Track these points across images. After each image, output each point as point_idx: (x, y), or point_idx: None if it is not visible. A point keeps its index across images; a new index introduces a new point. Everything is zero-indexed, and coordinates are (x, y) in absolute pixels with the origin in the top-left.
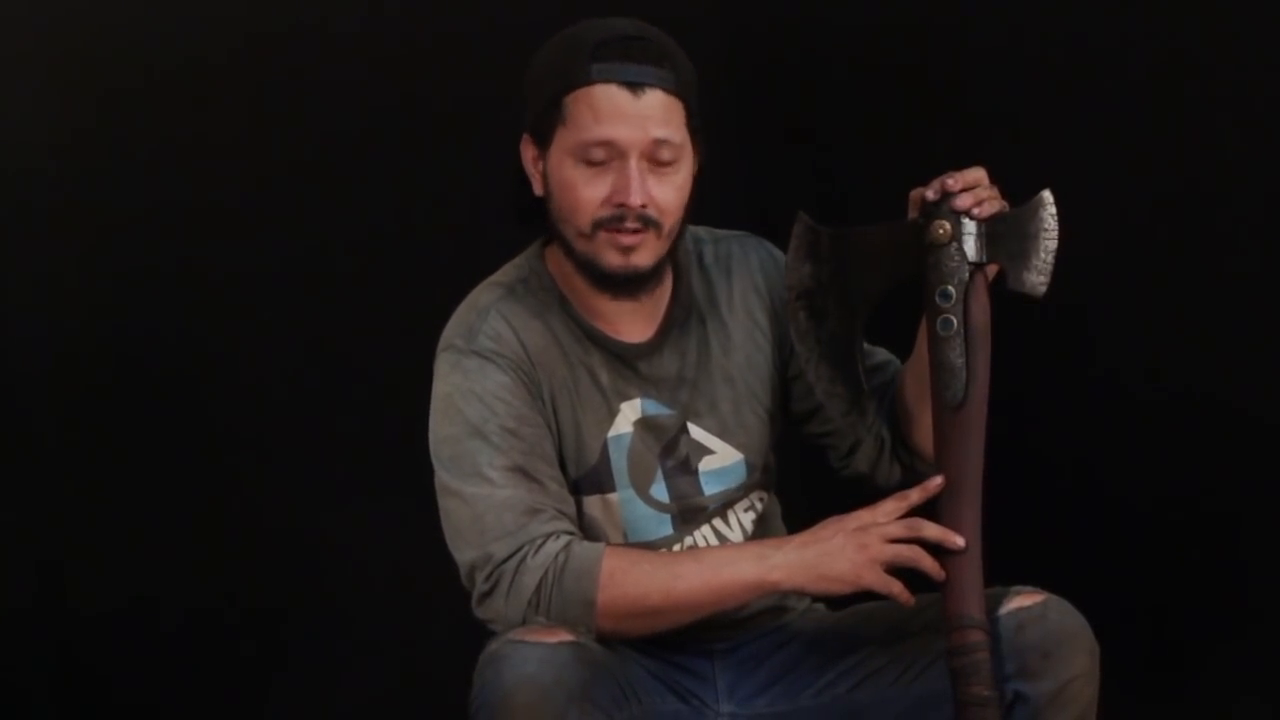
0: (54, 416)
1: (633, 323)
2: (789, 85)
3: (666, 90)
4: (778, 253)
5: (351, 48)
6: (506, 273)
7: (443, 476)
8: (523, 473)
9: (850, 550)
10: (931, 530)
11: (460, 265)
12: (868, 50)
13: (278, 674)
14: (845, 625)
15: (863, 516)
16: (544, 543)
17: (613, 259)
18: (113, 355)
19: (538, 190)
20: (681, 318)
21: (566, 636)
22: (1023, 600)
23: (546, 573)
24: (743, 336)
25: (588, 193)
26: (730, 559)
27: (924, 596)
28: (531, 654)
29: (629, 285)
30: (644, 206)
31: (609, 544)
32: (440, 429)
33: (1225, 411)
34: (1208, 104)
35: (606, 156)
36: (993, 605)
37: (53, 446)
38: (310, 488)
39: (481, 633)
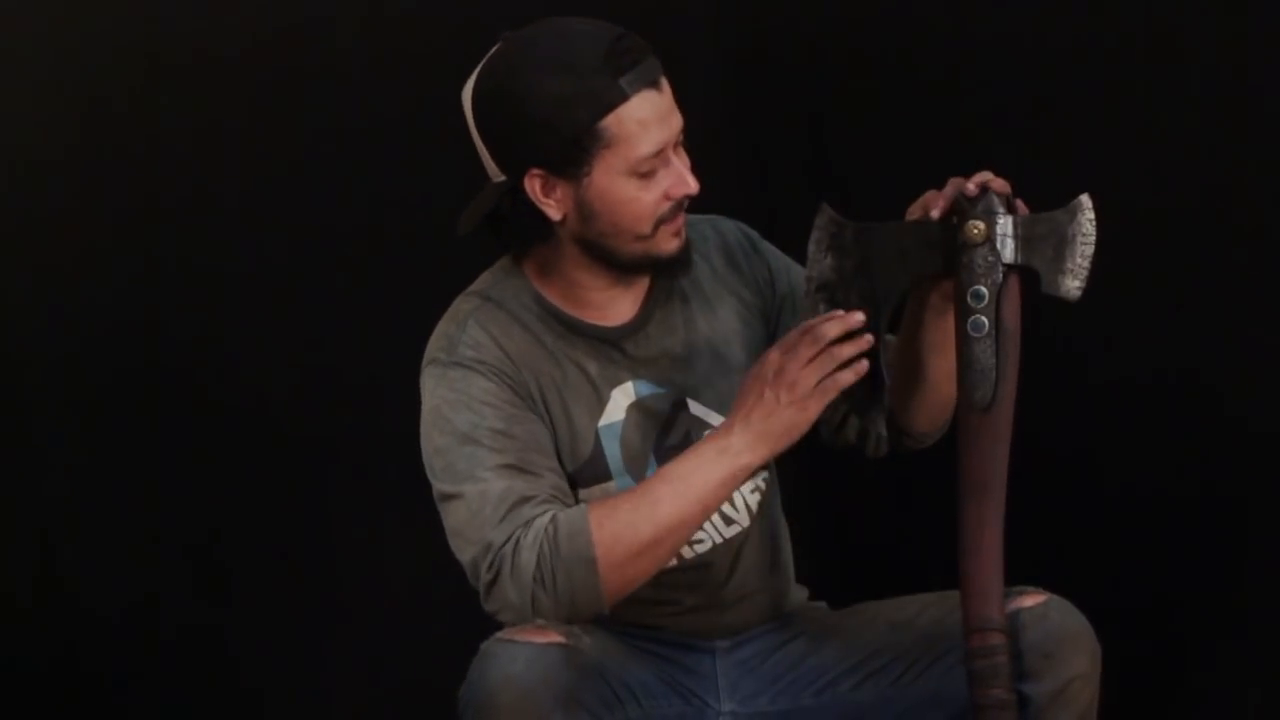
0: (54, 416)
1: (618, 306)
2: (788, 80)
3: (665, 74)
4: (751, 231)
5: (351, 48)
6: (480, 282)
7: (440, 486)
8: (516, 469)
9: (784, 396)
10: (833, 328)
11: (464, 265)
12: (869, 45)
13: (277, 671)
14: (847, 624)
15: (773, 360)
16: (534, 521)
17: (672, 245)
18: (113, 355)
19: (556, 216)
20: (663, 297)
21: (556, 638)
22: (1025, 601)
23: (541, 546)
24: (728, 312)
25: (648, 199)
26: (695, 466)
27: (926, 596)
28: (519, 654)
29: (682, 264)
30: None
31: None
32: (432, 441)
33: (1227, 411)
34: (1210, 103)
35: (655, 161)
36: None
37: (53, 446)
38: (311, 488)
39: (483, 629)
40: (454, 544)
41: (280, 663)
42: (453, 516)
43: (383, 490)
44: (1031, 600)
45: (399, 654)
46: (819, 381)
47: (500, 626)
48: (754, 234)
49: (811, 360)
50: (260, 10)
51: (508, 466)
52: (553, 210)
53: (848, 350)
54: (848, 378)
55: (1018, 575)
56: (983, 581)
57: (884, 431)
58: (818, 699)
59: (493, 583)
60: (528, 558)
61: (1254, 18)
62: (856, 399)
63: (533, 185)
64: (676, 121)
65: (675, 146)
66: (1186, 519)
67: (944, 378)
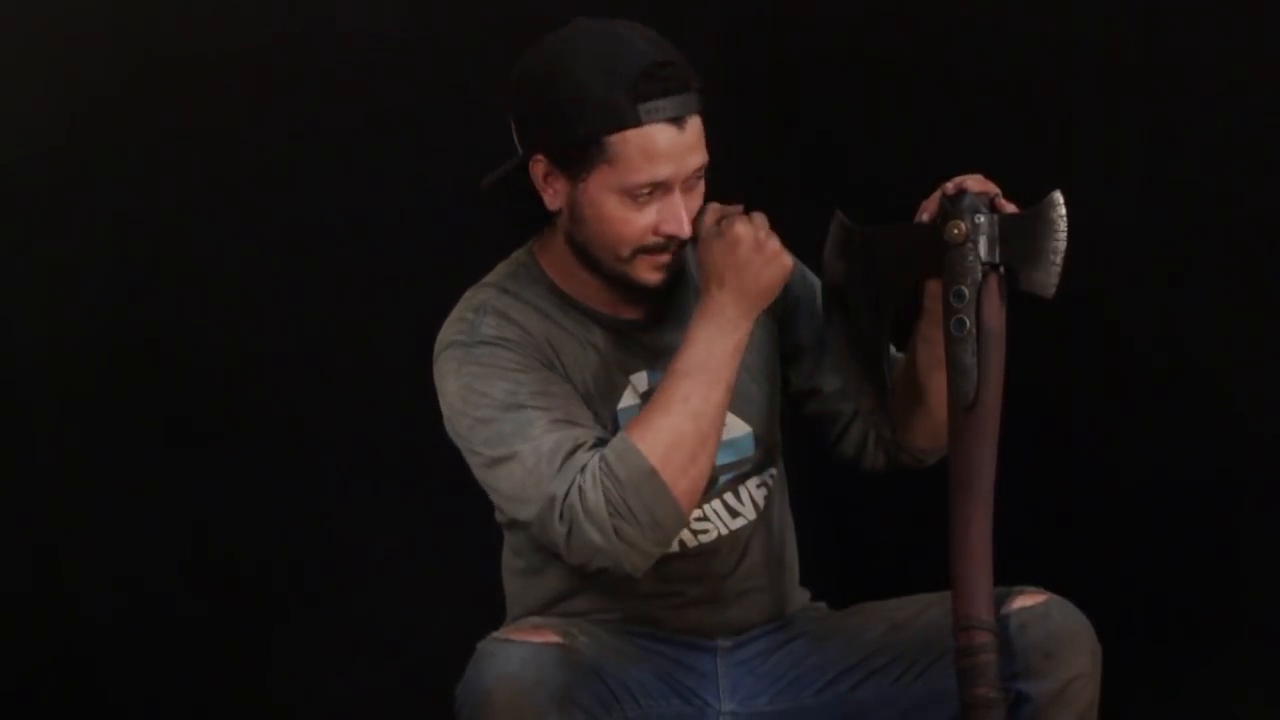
0: (54, 414)
1: (631, 302)
2: (788, 79)
3: (699, 112)
4: None
5: (352, 46)
6: (495, 274)
7: (487, 453)
8: (565, 421)
9: (761, 261)
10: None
11: (464, 260)
12: (867, 44)
13: (277, 670)
14: (847, 624)
15: (746, 235)
16: (586, 467)
17: (651, 277)
18: (112, 354)
19: (552, 206)
20: (679, 292)
21: (553, 637)
22: (1025, 600)
23: (602, 481)
24: None
25: (635, 224)
26: (705, 351)
27: (927, 596)
28: (515, 653)
29: (662, 295)
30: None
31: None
32: (469, 417)
33: (1226, 411)
34: (1209, 101)
35: (653, 192)
36: (995, 605)
37: (53, 444)
38: (310, 485)
39: (481, 628)
40: (512, 507)
41: (279, 662)
42: (506, 480)
43: (382, 490)
44: (1032, 600)
45: (397, 653)
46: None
47: (499, 624)
48: None
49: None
50: (262, 9)
51: (557, 421)
52: (550, 199)
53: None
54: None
55: (1017, 575)
56: (969, 580)
57: (888, 433)
58: (818, 698)
59: (569, 534)
60: (595, 498)
61: (1253, 17)
62: (863, 402)
63: (536, 169)
64: (693, 161)
65: (688, 184)
66: (1186, 519)
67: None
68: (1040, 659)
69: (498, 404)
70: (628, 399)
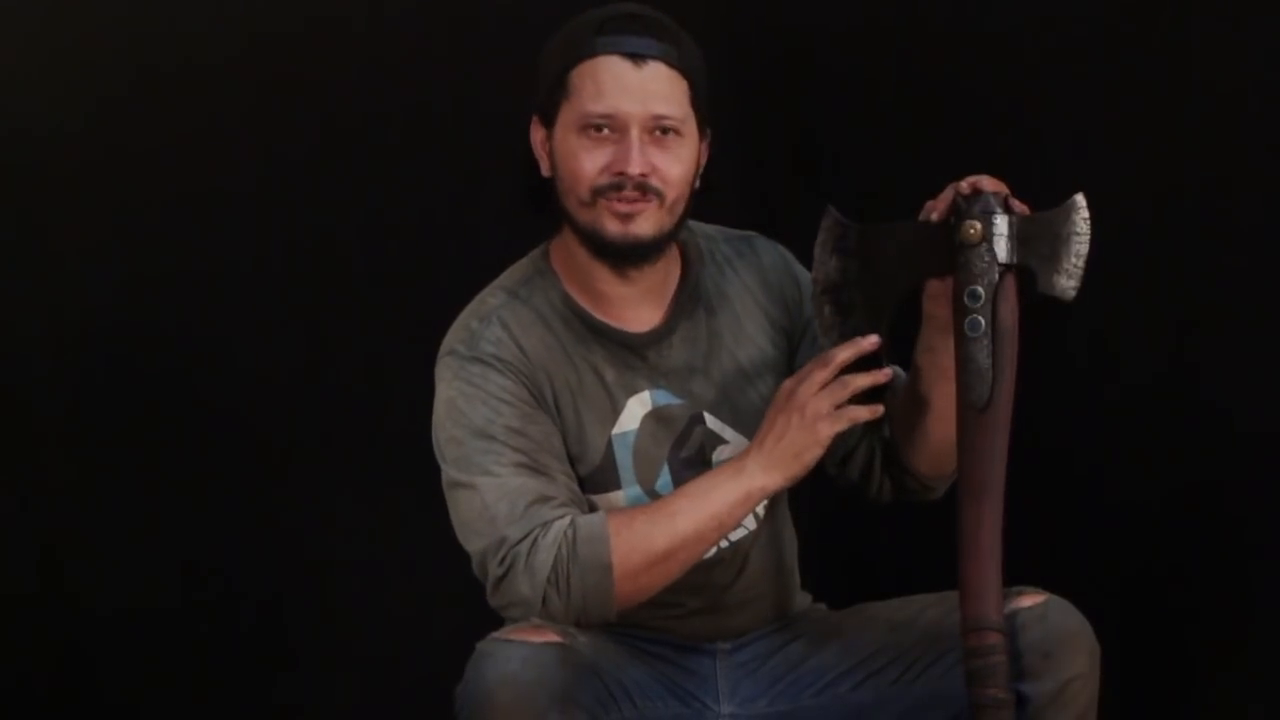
0: (54, 413)
1: (639, 311)
2: (791, 82)
3: (669, 64)
4: (788, 254)
5: (353, 47)
6: (510, 276)
7: (450, 473)
8: (530, 468)
9: (795, 420)
10: (844, 352)
11: (465, 262)
12: (871, 49)
13: (278, 670)
14: (847, 625)
15: (787, 387)
16: (553, 524)
17: (613, 227)
18: (113, 353)
19: (545, 171)
20: (689, 307)
21: (553, 637)
22: (1024, 601)
23: (560, 548)
24: (755, 329)
25: (589, 162)
26: (713, 484)
27: (926, 596)
28: (515, 653)
29: (631, 256)
30: (644, 175)
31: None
32: (446, 431)
33: (1227, 411)
34: (1210, 103)
35: (610, 128)
36: None
37: (53, 443)
38: (311, 484)
39: (481, 629)
40: (461, 534)
41: (280, 663)
42: (463, 506)
43: (383, 490)
44: (1030, 600)
45: (398, 654)
46: (831, 408)
47: (499, 624)
48: (789, 255)
49: (824, 386)
50: (263, 9)
51: (522, 465)
52: (545, 166)
53: (862, 380)
54: (863, 414)
55: (1017, 575)
56: (980, 581)
57: (888, 436)
58: (818, 700)
59: (503, 577)
60: (544, 558)
61: (1254, 18)
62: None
63: (534, 133)
64: (654, 107)
65: (653, 133)
66: (1186, 519)
67: (952, 412)
68: (1039, 659)
69: (472, 429)
70: (625, 424)
